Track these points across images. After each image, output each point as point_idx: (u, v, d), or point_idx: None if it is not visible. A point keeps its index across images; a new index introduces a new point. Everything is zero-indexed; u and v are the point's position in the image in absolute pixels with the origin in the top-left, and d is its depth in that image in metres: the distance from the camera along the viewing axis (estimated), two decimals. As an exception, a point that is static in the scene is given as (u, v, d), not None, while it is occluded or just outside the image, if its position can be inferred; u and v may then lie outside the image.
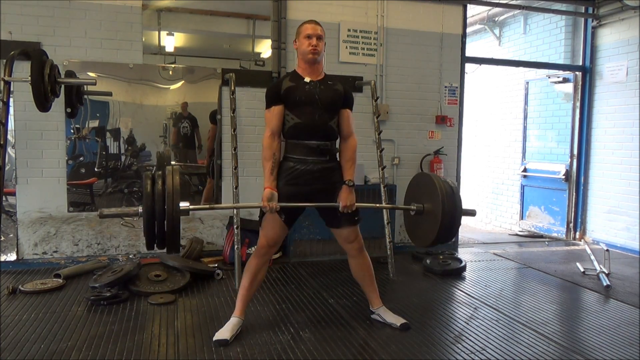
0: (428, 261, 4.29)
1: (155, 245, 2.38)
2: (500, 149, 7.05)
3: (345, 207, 2.69)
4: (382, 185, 4.19)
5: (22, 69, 3.69)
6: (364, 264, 2.93)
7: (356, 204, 2.75)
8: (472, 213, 2.91)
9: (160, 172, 2.38)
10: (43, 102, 3.32)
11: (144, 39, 4.26)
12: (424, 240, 2.85)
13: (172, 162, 4.41)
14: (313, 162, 2.71)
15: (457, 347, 2.68)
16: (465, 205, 2.82)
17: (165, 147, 4.38)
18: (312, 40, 2.70)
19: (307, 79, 2.73)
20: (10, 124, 3.88)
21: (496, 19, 6.79)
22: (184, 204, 2.35)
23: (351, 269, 2.98)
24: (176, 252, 2.47)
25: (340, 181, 2.75)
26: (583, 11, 5.66)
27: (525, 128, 6.40)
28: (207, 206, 2.79)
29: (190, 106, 4.41)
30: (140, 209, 2.32)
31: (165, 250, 2.41)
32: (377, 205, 2.69)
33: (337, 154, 2.83)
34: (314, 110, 2.68)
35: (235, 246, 3.75)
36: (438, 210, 2.66)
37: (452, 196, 2.68)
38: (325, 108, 2.70)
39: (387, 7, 4.82)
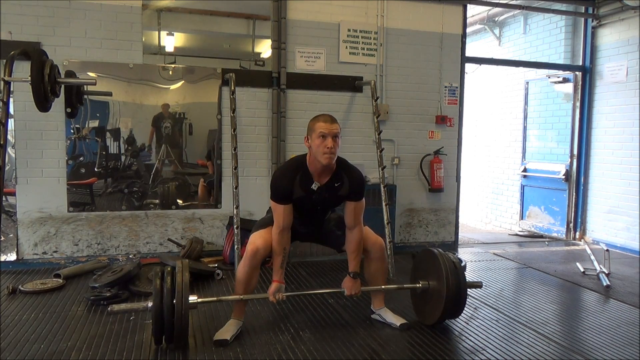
0: (428, 261, 4.29)
1: (164, 339, 2.48)
2: (500, 149, 7.05)
3: (350, 295, 2.81)
4: (382, 185, 4.20)
5: (22, 69, 3.69)
6: (383, 268, 2.95)
7: (361, 288, 2.84)
8: (477, 285, 3.05)
9: (169, 269, 2.49)
10: (43, 102, 3.32)
11: (144, 39, 4.26)
12: (431, 317, 2.89)
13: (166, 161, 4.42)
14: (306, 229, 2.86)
15: (457, 347, 2.68)
16: (470, 278, 2.95)
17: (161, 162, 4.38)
18: (327, 141, 2.43)
19: (315, 186, 2.59)
20: (10, 124, 3.88)
21: (496, 19, 6.79)
22: (192, 298, 2.49)
23: (367, 271, 2.94)
24: (185, 347, 2.55)
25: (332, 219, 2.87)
26: (583, 11, 5.66)
27: (525, 128, 6.40)
28: (215, 299, 2.91)
29: (190, 106, 4.40)
30: (149, 304, 2.43)
31: (173, 344, 2.50)
32: (382, 287, 2.81)
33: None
34: (312, 214, 2.76)
35: (235, 246, 3.75)
36: (443, 287, 2.72)
37: (455, 273, 2.75)
38: (325, 211, 2.80)
39: (387, 7, 4.82)
